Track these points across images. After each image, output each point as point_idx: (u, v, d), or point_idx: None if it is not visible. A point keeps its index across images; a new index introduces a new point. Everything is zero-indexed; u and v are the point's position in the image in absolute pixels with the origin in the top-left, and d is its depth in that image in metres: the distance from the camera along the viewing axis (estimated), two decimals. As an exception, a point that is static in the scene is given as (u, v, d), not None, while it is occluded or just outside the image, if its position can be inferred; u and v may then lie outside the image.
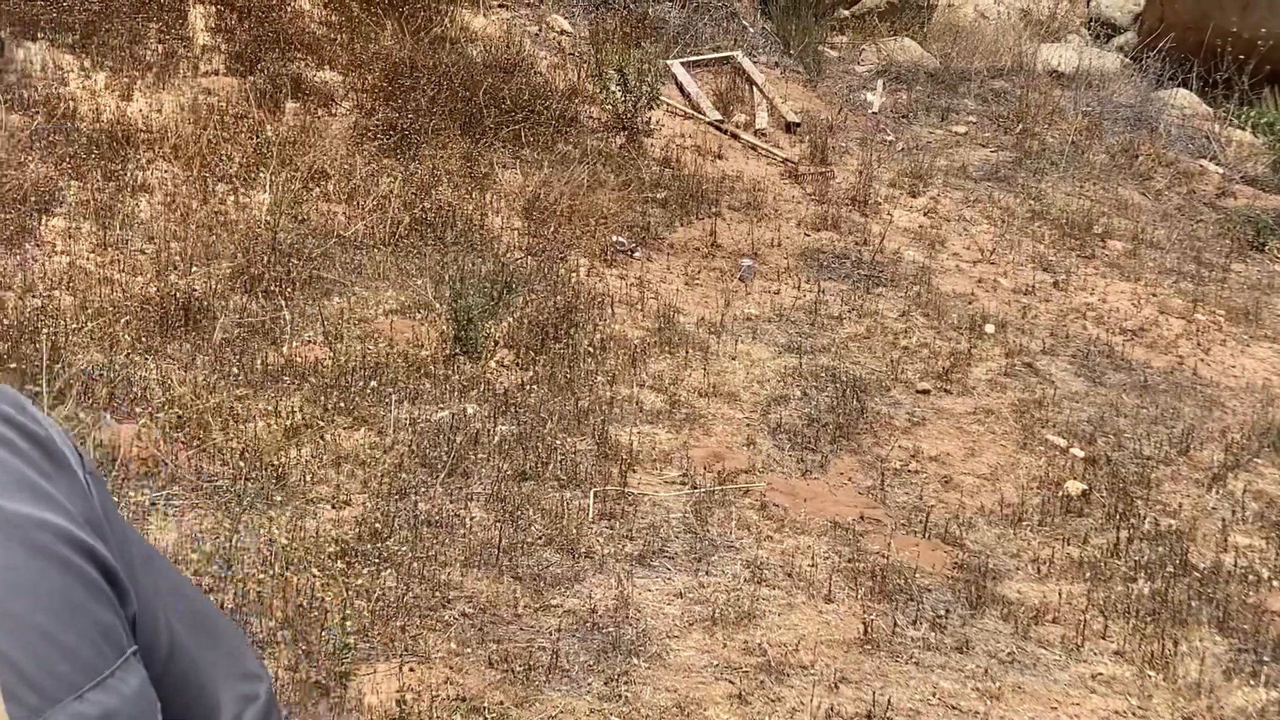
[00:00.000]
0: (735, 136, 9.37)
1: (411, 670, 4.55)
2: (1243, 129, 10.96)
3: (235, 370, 6.07)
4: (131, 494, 5.18)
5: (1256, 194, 10.05)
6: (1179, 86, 11.27)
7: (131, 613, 1.17)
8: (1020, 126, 10.17)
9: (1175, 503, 6.26)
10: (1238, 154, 10.57)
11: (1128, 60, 11.69)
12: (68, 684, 1.08)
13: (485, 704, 4.45)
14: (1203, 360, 7.77)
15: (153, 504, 5.17)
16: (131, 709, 1.12)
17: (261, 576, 4.84)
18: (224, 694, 1.29)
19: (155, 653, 1.21)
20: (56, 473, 1.17)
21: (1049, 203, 9.22)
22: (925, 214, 8.78)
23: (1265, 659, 5.23)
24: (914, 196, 8.99)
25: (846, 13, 11.66)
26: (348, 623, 4.68)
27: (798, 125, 9.67)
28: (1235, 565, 5.82)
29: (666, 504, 5.70)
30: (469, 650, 4.70)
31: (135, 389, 5.79)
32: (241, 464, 5.47)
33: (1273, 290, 8.78)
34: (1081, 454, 6.55)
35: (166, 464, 5.43)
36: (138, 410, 5.68)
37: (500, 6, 10.11)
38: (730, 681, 4.74)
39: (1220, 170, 10.24)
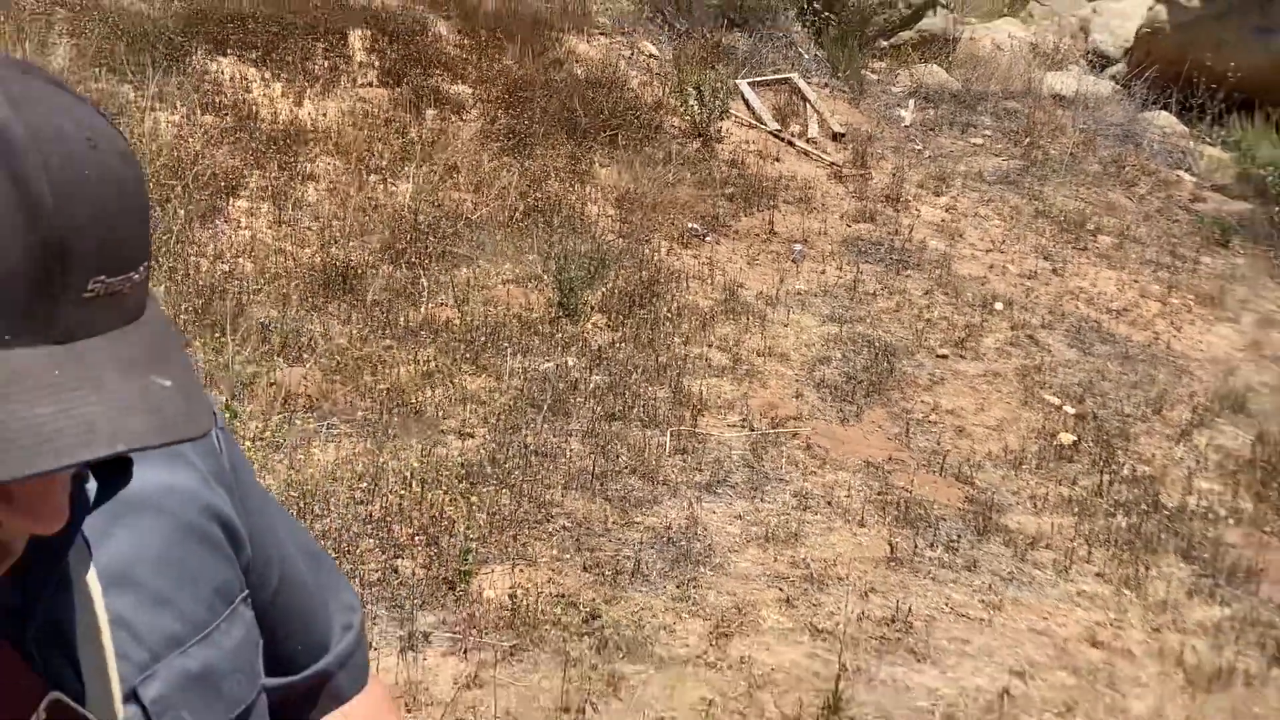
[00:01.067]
0: (790, 144, 9.34)
1: (521, 571, 4.60)
2: (1213, 146, 10.84)
3: (382, 325, 6.14)
4: (299, 423, 5.25)
5: (1223, 200, 9.95)
6: (1161, 109, 11.15)
7: (245, 560, 1.16)
8: (1028, 140, 10.09)
9: (1149, 453, 6.24)
10: (1208, 166, 10.45)
11: (1118, 87, 11.56)
12: (175, 640, 1.08)
13: (580, 600, 4.50)
14: (1175, 336, 7.72)
15: (316, 432, 5.25)
16: (231, 658, 1.12)
17: (401, 493, 4.90)
18: (328, 620, 1.30)
19: (265, 590, 1.20)
20: (200, 444, 1.16)
21: (1050, 203, 9.16)
22: (947, 210, 8.74)
23: (1220, 583, 5.22)
24: (938, 196, 8.94)
25: (885, 43, 11.58)
26: (470, 532, 4.75)
27: (843, 135, 9.63)
28: (1198, 506, 5.80)
29: (729, 443, 5.73)
30: (567, 557, 4.75)
31: (302, 339, 5.87)
32: (387, 401, 5.53)
33: (1234, 279, 8.70)
34: (1072, 411, 6.53)
35: (327, 400, 5.50)
36: (304, 356, 5.76)
37: (600, 34, 10.10)
38: (779, 589, 4.77)
39: (1194, 179, 10.15)
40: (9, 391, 0.82)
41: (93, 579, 1.03)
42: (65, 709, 0.97)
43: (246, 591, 1.16)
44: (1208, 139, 10.93)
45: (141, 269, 0.88)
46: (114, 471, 1.05)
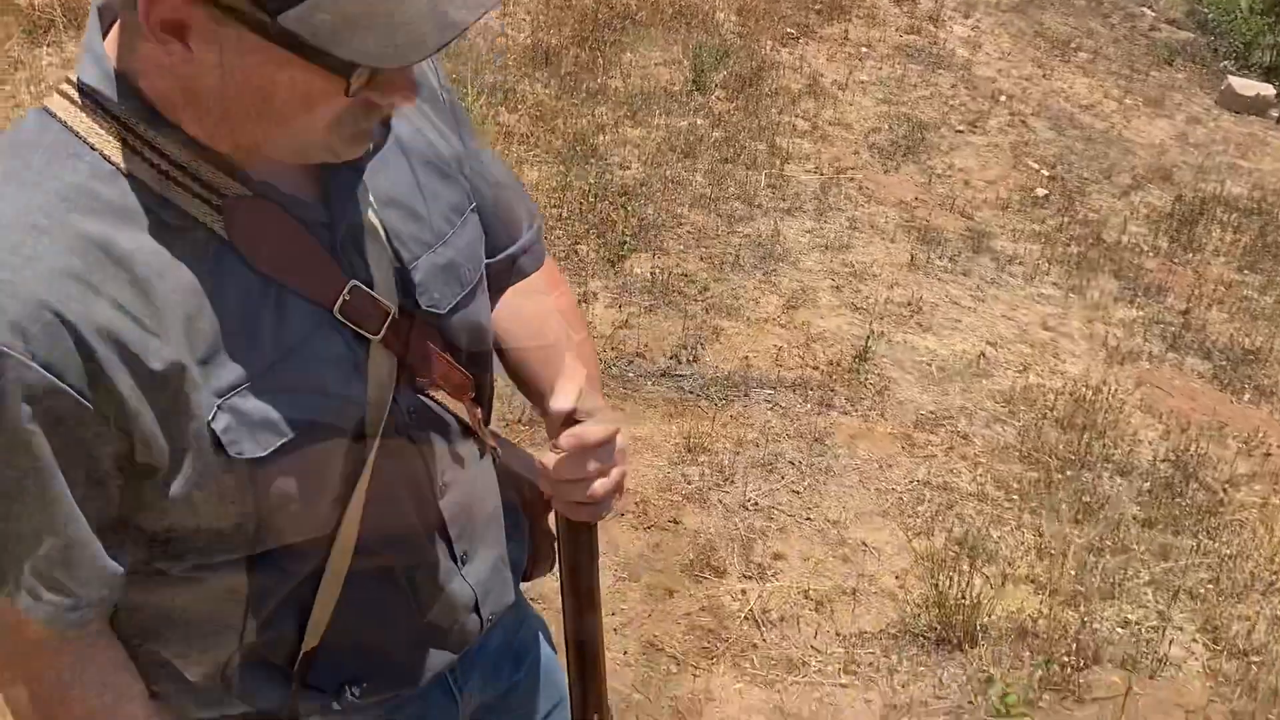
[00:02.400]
0: (863, -23, 8.85)
1: (658, 258, 4.64)
2: (1171, -9, 10.09)
3: (571, 89, 6.05)
4: (515, 153, 5.25)
5: (1173, 30, 9.29)
6: (1135, -38, 10.36)
7: (468, 175, 1.15)
8: (1034, -19, 9.47)
9: (1098, 205, 6.03)
10: (1165, 5, 9.74)
11: (1106, -56, 10.72)
12: (427, 243, 1.07)
13: (697, 277, 4.54)
14: (1125, 126, 7.34)
15: (525, 158, 5.25)
16: (464, 253, 1.11)
17: (581, 202, 4.92)
18: (519, 218, 1.27)
19: (483, 194, 1.18)
20: (432, 104, 1.13)
21: (1046, 27, 8.63)
22: (971, 29, 8.28)
23: (1139, 294, 5.10)
24: (965, 18, 8.45)
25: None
26: (625, 230, 4.77)
27: (901, -28, 9.08)
28: (1128, 242, 5.62)
29: (804, 183, 5.63)
30: (689, 250, 4.76)
31: (517, 95, 5.81)
32: (573, 141, 5.50)
33: (1174, 89, 8.20)
34: (1047, 173, 6.30)
35: (532, 137, 5.48)
36: (518, 108, 5.71)
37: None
38: (832, 280, 4.76)
39: (1153, 14, 9.46)
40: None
41: (372, 202, 1.03)
42: (360, 291, 0.99)
43: (474, 204, 1.15)
44: (1168, -15, 10.16)
45: None
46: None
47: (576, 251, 4.55)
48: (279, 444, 0.94)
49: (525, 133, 5.47)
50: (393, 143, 1.05)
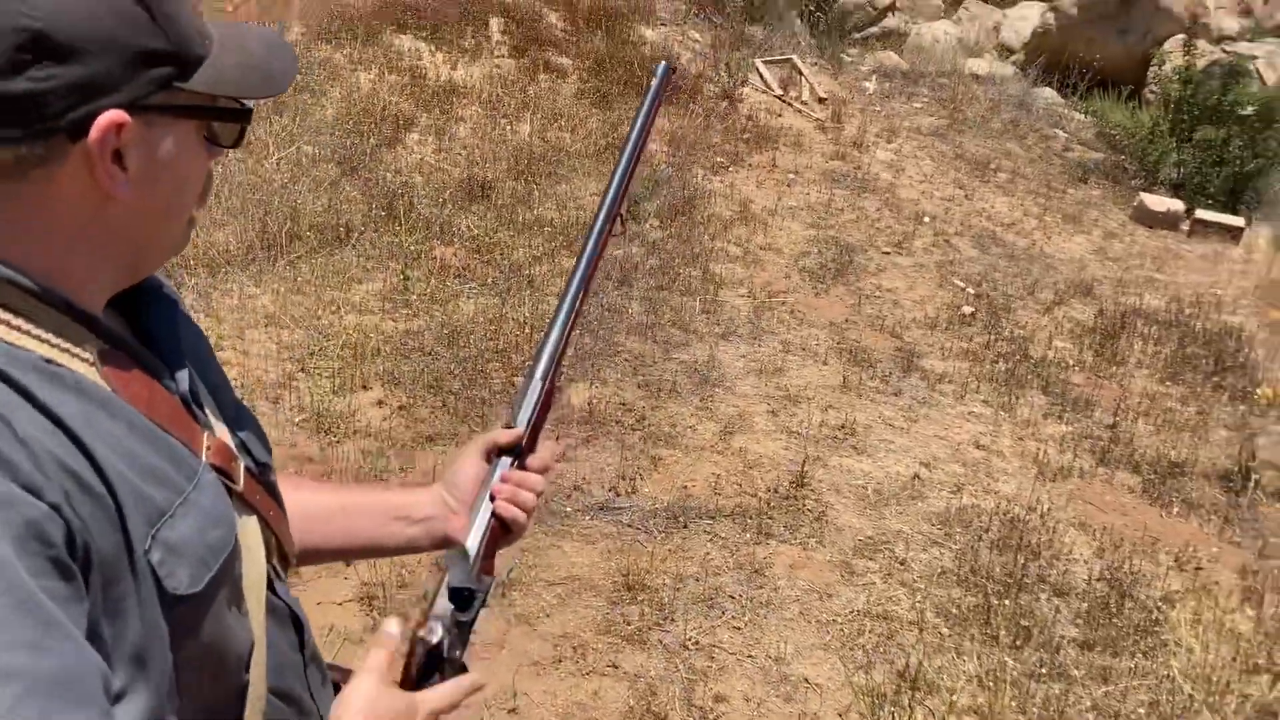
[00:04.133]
0: (789, 104, 9.10)
1: (596, 387, 4.62)
2: (1080, 113, 10.50)
3: (507, 221, 6.09)
4: (451, 286, 5.25)
5: (1085, 150, 9.65)
6: (1046, 87, 10.79)
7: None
8: (952, 106, 9.78)
9: (1024, 321, 6.15)
10: (1077, 127, 10.13)
11: (1018, 70, 11.17)
12: (236, 403, 1.06)
13: (635, 406, 4.52)
14: (1046, 243, 7.56)
15: (461, 291, 5.25)
16: (256, 431, 1.08)
17: (518, 334, 4.92)
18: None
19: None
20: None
21: (965, 150, 8.93)
22: (894, 153, 8.53)
23: (1067, 410, 5.17)
24: (889, 143, 8.72)
25: (857, 35, 11.21)
26: (563, 361, 4.75)
27: (825, 99, 9.37)
28: (1054, 357, 5.73)
29: (738, 307, 5.69)
30: (627, 379, 4.76)
31: (452, 228, 5.85)
32: (509, 272, 5.52)
33: (1089, 205, 8.48)
34: (973, 291, 6.43)
35: (468, 270, 5.49)
36: (454, 240, 5.74)
37: (661, 24, 9.81)
38: (768, 404, 4.77)
39: (1066, 135, 9.83)
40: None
41: (185, 361, 0.99)
42: (216, 440, 0.95)
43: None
44: (1077, 108, 10.59)
45: None
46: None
47: (514, 383, 4.52)
48: (210, 576, 0.87)
49: (461, 266, 5.48)
50: (184, 314, 1.03)
